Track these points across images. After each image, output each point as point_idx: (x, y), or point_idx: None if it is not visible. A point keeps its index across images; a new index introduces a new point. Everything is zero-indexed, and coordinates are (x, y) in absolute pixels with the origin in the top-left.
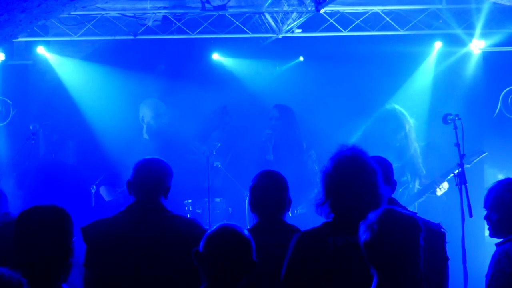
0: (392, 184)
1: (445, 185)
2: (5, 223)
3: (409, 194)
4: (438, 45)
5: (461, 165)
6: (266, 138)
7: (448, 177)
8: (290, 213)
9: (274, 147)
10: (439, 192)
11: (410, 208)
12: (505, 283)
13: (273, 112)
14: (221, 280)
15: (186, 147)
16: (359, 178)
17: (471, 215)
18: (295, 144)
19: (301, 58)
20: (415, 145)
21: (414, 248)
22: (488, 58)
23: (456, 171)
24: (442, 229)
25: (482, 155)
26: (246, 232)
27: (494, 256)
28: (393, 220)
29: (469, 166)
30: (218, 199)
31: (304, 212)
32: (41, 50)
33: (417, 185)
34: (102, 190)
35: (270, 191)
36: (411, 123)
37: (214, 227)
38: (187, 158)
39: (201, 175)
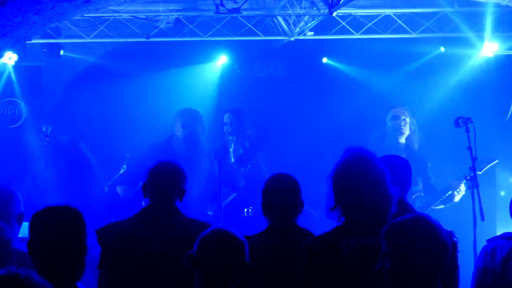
0: (403, 183)
1: (462, 188)
2: None
3: (421, 201)
4: (450, 48)
5: (473, 169)
6: (229, 144)
7: (464, 181)
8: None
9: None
10: (457, 197)
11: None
12: (484, 279)
13: (227, 118)
14: (214, 283)
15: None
16: (367, 180)
17: (483, 219)
18: (248, 145)
19: (325, 60)
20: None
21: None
22: (500, 61)
23: (469, 176)
24: (454, 238)
25: (493, 163)
26: (239, 234)
27: (479, 253)
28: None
29: (480, 173)
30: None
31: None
32: (53, 51)
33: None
34: (119, 189)
35: (282, 195)
36: (414, 122)
37: (207, 230)
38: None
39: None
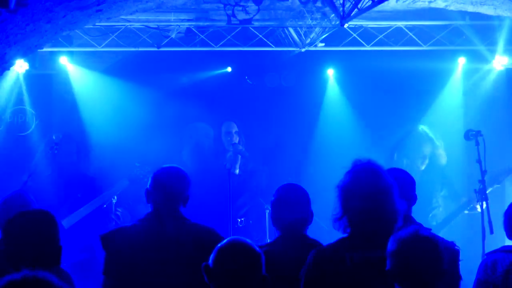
0: (410, 198)
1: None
2: None
3: (439, 217)
4: (461, 61)
5: (482, 181)
6: (241, 154)
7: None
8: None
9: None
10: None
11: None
12: None
13: (232, 127)
14: None
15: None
16: (375, 192)
17: (492, 232)
18: (244, 156)
19: (330, 72)
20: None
21: (437, 273)
22: (511, 74)
23: (478, 189)
24: (456, 247)
25: None
26: (256, 246)
27: (479, 266)
28: (419, 244)
29: (499, 185)
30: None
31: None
32: (63, 60)
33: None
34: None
35: (292, 206)
36: (438, 144)
37: (223, 241)
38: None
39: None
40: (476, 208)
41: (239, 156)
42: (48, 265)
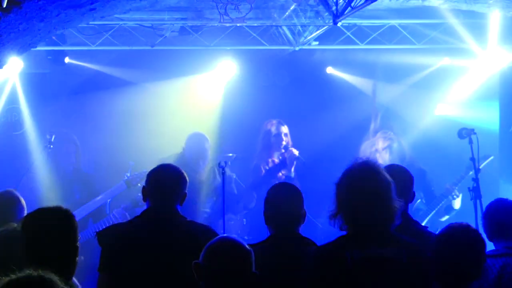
0: (407, 196)
1: (457, 192)
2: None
3: (422, 209)
4: (454, 59)
5: (476, 180)
6: (296, 159)
7: (459, 184)
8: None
9: None
10: (457, 203)
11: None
12: None
13: (285, 129)
14: None
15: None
16: (373, 190)
17: None
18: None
19: (330, 69)
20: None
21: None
22: (504, 72)
23: (470, 173)
24: None
25: (489, 159)
26: (245, 244)
27: None
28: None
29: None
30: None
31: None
32: (67, 59)
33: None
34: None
35: (285, 204)
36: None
37: (213, 239)
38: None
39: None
40: (453, 205)
41: (295, 161)
42: (64, 262)
